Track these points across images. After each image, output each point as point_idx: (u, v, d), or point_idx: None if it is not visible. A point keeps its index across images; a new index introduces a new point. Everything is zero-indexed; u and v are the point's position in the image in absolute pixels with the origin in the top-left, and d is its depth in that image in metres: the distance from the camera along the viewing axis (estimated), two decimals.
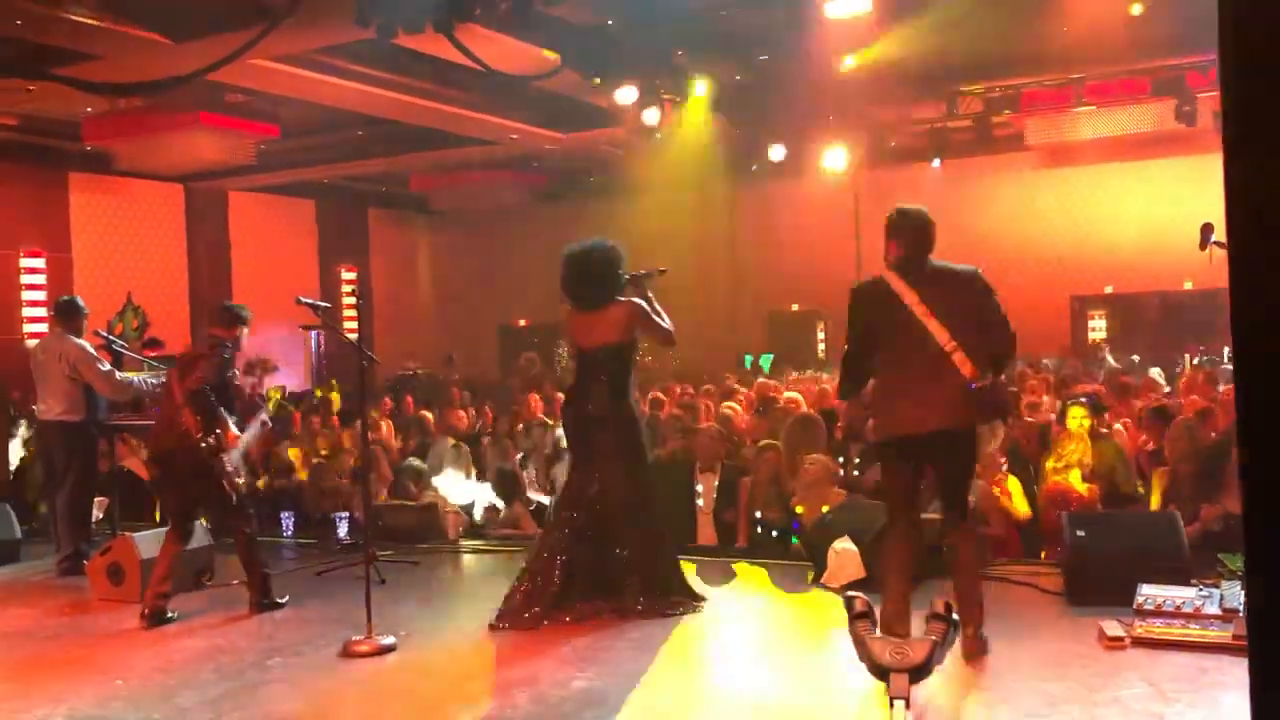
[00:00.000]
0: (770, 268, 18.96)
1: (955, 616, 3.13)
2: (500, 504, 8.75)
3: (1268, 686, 1.10)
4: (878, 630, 3.01)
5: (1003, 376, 5.20)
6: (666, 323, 6.40)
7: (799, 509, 7.36)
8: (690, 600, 6.26)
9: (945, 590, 4.84)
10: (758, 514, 7.76)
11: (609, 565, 6.16)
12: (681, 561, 6.57)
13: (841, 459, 8.07)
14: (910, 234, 5.09)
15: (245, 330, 6.87)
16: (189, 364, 6.61)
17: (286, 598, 6.74)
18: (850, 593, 3.23)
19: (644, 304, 6.33)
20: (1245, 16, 1.11)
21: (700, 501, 7.95)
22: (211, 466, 6.45)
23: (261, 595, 6.61)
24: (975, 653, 4.90)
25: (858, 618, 3.06)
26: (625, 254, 6.43)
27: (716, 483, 7.95)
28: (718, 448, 8.13)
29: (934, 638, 2.97)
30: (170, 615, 6.42)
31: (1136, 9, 9.88)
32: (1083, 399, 8.14)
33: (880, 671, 2.95)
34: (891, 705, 2.92)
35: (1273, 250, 1.10)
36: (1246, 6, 1.11)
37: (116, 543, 7.17)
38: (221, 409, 6.50)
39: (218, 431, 6.45)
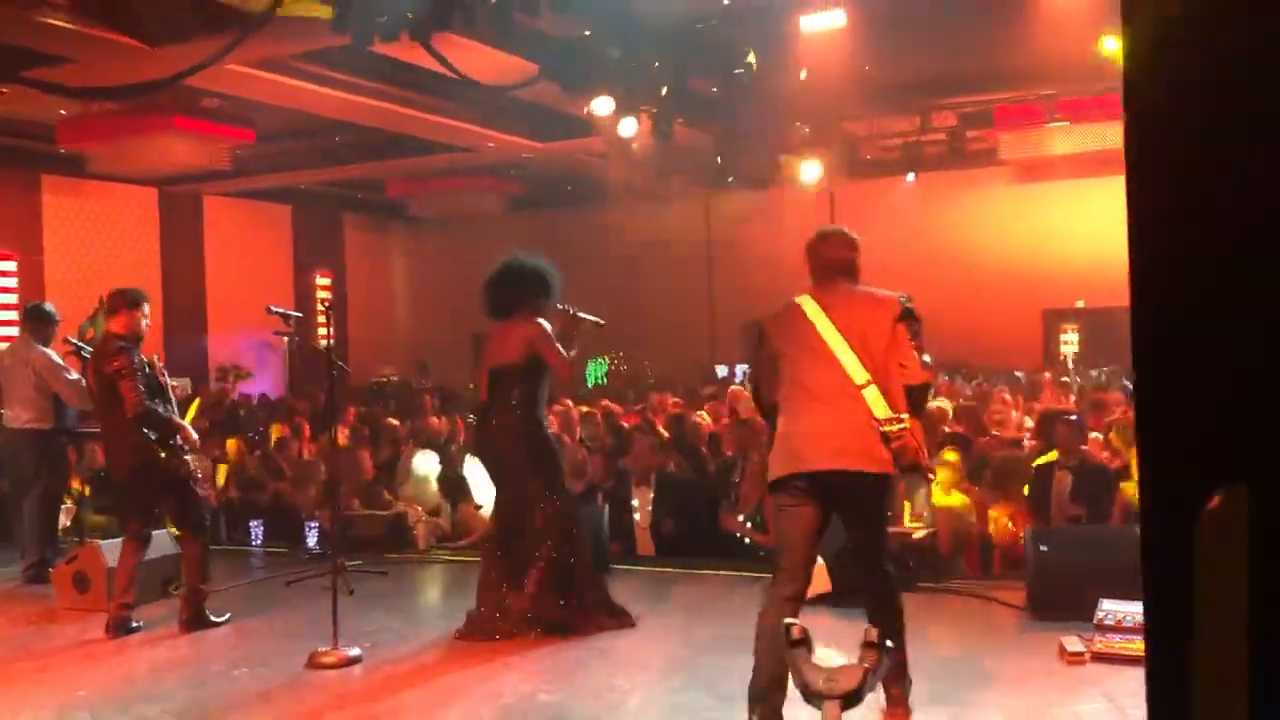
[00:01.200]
0: (745, 279, 19.02)
1: (888, 644, 3.16)
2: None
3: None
4: (814, 657, 3.05)
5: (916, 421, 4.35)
6: (567, 356, 6.16)
7: None
8: (609, 613, 6.18)
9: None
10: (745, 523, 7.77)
11: (521, 586, 6.03)
12: (606, 579, 6.55)
13: None
14: (827, 256, 4.60)
15: (143, 318, 6.52)
16: (109, 379, 6.29)
17: (227, 616, 6.57)
18: (787, 620, 3.26)
19: (547, 327, 6.14)
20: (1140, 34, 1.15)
21: (637, 515, 7.98)
22: (181, 475, 6.41)
23: (195, 613, 6.41)
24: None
25: (794, 644, 3.10)
26: (556, 283, 6.36)
27: (651, 495, 7.98)
28: (651, 460, 8.17)
29: (866, 666, 3.01)
30: (135, 625, 6.38)
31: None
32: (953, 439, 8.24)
33: (814, 698, 2.99)
34: None
35: (1171, 270, 1.13)
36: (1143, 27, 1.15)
37: (82, 551, 7.13)
38: (163, 408, 6.37)
39: (176, 439, 6.39)
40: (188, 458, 6.52)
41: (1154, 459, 1.13)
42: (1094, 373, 14.68)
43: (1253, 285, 1.05)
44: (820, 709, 3.04)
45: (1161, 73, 1.11)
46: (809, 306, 4.45)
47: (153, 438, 6.26)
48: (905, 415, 4.22)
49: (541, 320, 6.19)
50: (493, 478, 6.47)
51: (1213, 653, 0.96)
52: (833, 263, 4.56)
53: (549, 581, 6.00)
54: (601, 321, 6.55)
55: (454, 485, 8.79)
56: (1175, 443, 1.09)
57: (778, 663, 3.82)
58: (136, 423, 6.20)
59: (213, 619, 6.48)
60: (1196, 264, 1.08)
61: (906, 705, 4.40)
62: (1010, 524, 7.27)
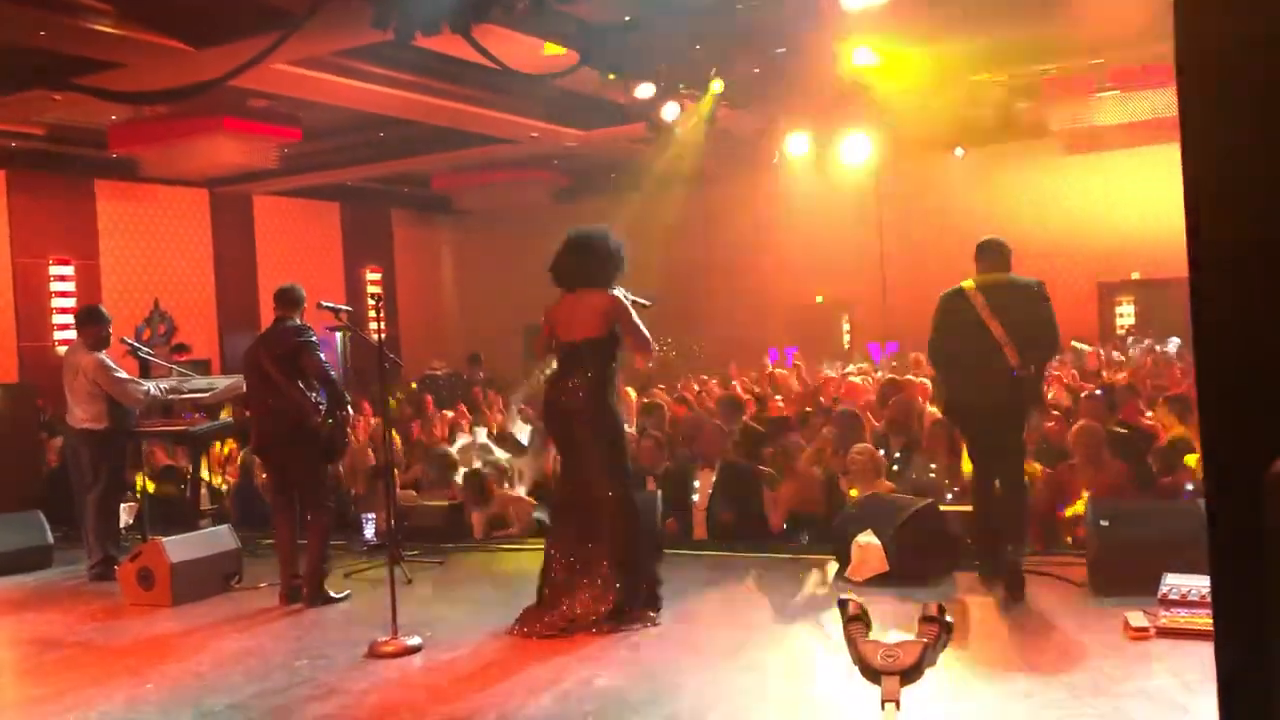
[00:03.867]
0: (793, 260, 18.91)
1: (949, 619, 3.13)
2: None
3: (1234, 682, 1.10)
4: (870, 633, 3.02)
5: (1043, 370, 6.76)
6: (646, 332, 6.09)
7: (853, 492, 7.36)
8: (648, 612, 5.97)
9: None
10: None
11: (594, 575, 5.90)
12: (659, 565, 6.37)
13: (883, 451, 8.06)
14: (990, 259, 6.54)
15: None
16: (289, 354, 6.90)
17: (348, 593, 6.98)
18: (843, 596, 3.23)
19: (628, 301, 6.06)
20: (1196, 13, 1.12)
21: (695, 497, 7.95)
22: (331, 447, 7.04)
23: (317, 589, 6.86)
24: (1013, 587, 5.96)
25: (851, 620, 3.07)
26: (625, 259, 6.22)
27: (714, 479, 7.94)
28: (720, 444, 8.15)
29: (925, 640, 2.98)
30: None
31: None
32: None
33: (872, 674, 2.96)
34: (883, 708, 2.92)
35: (1234, 243, 1.09)
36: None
37: (146, 548, 7.24)
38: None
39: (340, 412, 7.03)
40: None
41: (1216, 428, 1.09)
42: (1145, 342, 14.45)
43: None
44: (879, 684, 3.01)
45: (1213, 38, 1.08)
46: (971, 292, 6.39)
47: (322, 406, 6.85)
48: (1029, 366, 6.22)
49: (622, 293, 6.05)
50: (562, 455, 6.30)
51: None
52: (993, 263, 6.57)
53: (614, 574, 5.89)
54: (648, 303, 6.39)
55: (475, 482, 8.83)
56: (1237, 412, 1.05)
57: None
58: (322, 386, 6.90)
59: (332, 595, 6.90)
60: (1257, 229, 1.05)
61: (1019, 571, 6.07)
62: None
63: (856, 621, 3.04)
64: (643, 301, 6.31)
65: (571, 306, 6.06)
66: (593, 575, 5.89)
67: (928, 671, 3.09)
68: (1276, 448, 1.02)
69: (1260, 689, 1.05)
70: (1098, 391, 8.60)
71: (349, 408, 7.17)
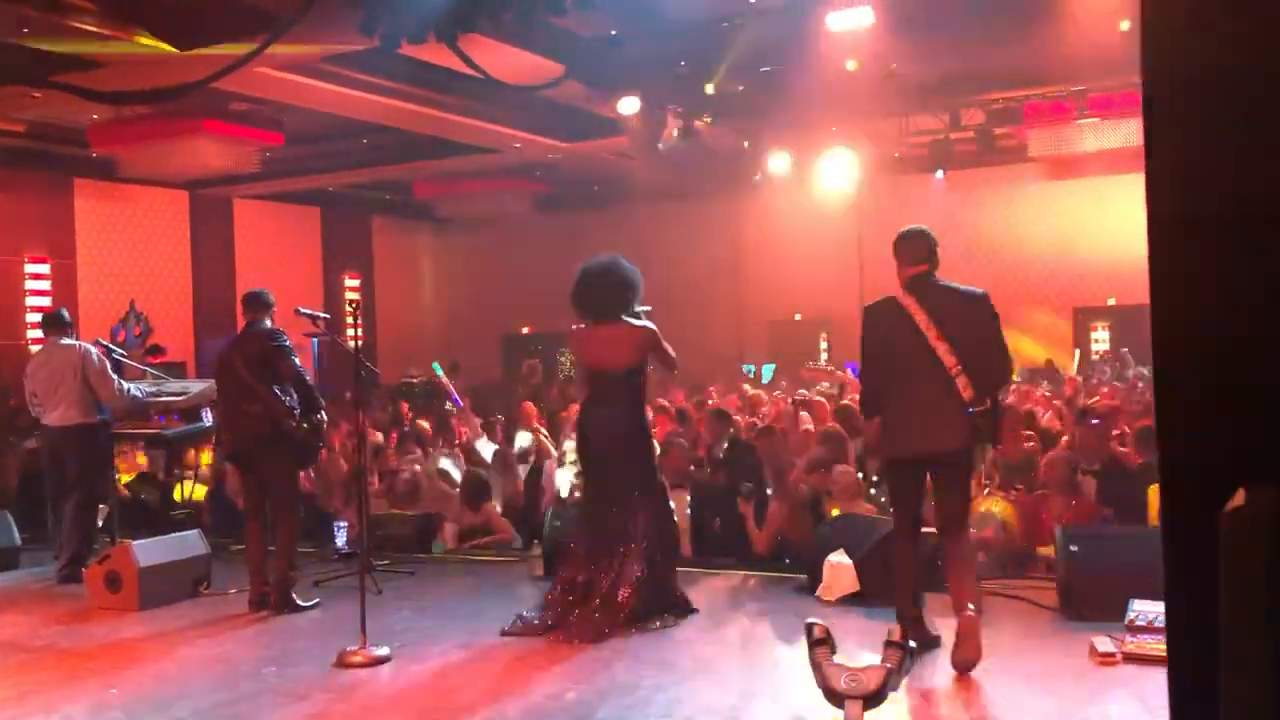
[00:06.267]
0: (773, 278, 18.98)
1: (911, 644, 3.15)
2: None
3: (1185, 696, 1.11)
4: (835, 656, 3.03)
5: (999, 399, 5.57)
6: (672, 351, 6.48)
7: (835, 512, 7.37)
8: (685, 609, 6.35)
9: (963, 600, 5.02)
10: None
11: (626, 584, 6.11)
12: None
13: (860, 474, 8.08)
14: (917, 253, 5.37)
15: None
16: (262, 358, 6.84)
17: (316, 601, 6.91)
18: (810, 620, 3.25)
19: (654, 327, 6.40)
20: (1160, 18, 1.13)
21: (675, 516, 7.96)
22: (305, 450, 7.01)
23: (284, 596, 6.81)
24: (968, 658, 4.98)
25: (816, 644, 3.08)
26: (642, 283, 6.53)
27: (688, 497, 8.00)
28: (683, 462, 8.18)
29: (889, 665, 2.99)
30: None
31: (1125, 25, 9.91)
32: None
33: (835, 698, 2.97)
34: None
35: (1190, 249, 1.11)
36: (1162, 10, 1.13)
37: (115, 551, 7.18)
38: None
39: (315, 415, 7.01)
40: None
41: (1174, 458, 1.11)
42: (1108, 368, 14.56)
43: (1276, 280, 1.03)
44: (842, 709, 3.02)
45: (1180, 70, 1.10)
46: (906, 301, 5.27)
47: (297, 410, 6.81)
48: (985, 399, 5.16)
49: (651, 324, 6.38)
50: (595, 476, 6.49)
51: (1239, 653, 0.95)
52: (921, 258, 5.37)
53: (645, 587, 6.11)
54: (649, 309, 6.66)
55: (476, 486, 8.80)
56: (1196, 442, 1.07)
57: (913, 578, 5.38)
58: (296, 390, 6.85)
59: (300, 604, 6.83)
60: (1218, 259, 1.07)
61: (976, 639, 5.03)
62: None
63: (822, 645, 3.06)
64: (646, 308, 6.61)
65: (603, 337, 6.36)
66: (625, 582, 6.09)
67: (892, 695, 3.11)
68: (1233, 484, 1.03)
69: (1209, 713, 1.06)
70: (1094, 421, 8.56)
71: (323, 411, 7.14)
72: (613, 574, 6.13)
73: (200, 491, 9.70)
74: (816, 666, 3.05)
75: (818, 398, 11.20)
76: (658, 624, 6.10)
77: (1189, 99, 1.11)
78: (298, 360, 6.95)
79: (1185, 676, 1.12)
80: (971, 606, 5.04)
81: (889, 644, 3.06)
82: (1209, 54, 1.10)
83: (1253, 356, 1.05)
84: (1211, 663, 1.02)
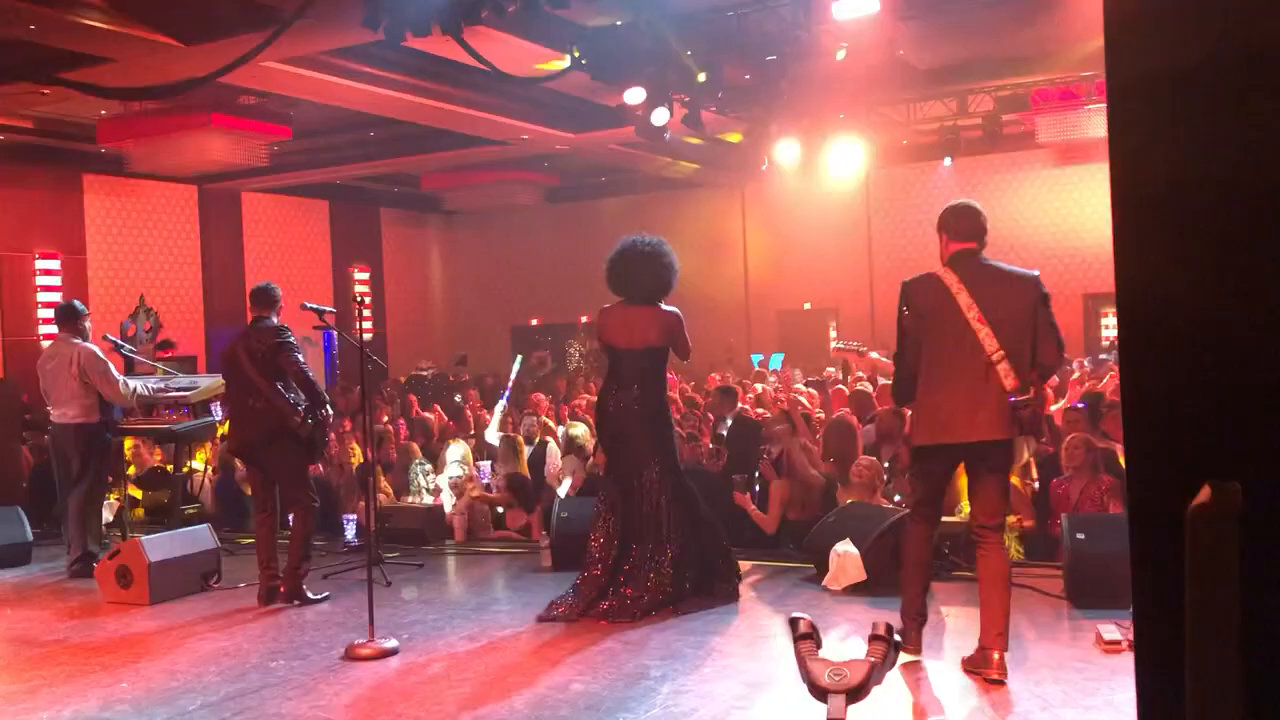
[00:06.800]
0: (781, 267, 18.96)
1: (896, 638, 3.15)
2: None
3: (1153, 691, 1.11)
4: (820, 651, 3.04)
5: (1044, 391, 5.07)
6: (689, 341, 6.62)
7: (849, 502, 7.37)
8: (736, 580, 6.60)
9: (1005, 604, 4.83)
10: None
11: (657, 564, 6.28)
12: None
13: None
14: (967, 228, 5.04)
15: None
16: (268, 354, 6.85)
17: (326, 594, 6.95)
18: (794, 614, 3.25)
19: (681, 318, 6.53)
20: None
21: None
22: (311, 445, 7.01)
23: (296, 589, 6.85)
24: (998, 679, 4.73)
25: (801, 638, 3.09)
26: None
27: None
28: (685, 454, 8.19)
29: (873, 659, 3.00)
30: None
31: None
32: None
33: (819, 692, 2.98)
34: None
35: (1155, 232, 1.11)
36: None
37: (125, 546, 7.23)
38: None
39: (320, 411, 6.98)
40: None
41: (1140, 452, 1.11)
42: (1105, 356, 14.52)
43: (1244, 275, 1.03)
44: (826, 703, 3.03)
45: (1142, 69, 1.10)
46: (949, 279, 4.87)
47: (301, 406, 6.81)
48: (1030, 388, 4.73)
49: (676, 310, 6.52)
50: (612, 455, 6.57)
51: (1204, 649, 0.95)
52: (969, 234, 5.04)
53: (679, 569, 6.28)
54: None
55: (521, 485, 8.83)
56: (1162, 436, 1.07)
57: (924, 575, 5.06)
58: (300, 387, 6.85)
59: (311, 596, 6.86)
60: (1184, 253, 1.07)
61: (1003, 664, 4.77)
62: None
63: (806, 639, 3.06)
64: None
65: (631, 317, 6.48)
66: (655, 563, 6.26)
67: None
68: (1198, 478, 1.03)
69: (1174, 708, 1.07)
70: (1079, 405, 8.59)
71: (329, 408, 7.15)
72: (640, 556, 6.28)
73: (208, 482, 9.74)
74: (801, 660, 3.06)
75: (838, 386, 11.23)
76: (697, 605, 6.25)
77: (1151, 96, 1.11)
78: (302, 357, 6.96)
79: (1151, 668, 1.12)
80: (997, 656, 4.73)
81: (874, 638, 3.07)
82: (1168, 45, 1.10)
83: (1220, 352, 1.05)
84: (1177, 657, 1.02)
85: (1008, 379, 4.68)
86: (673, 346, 6.53)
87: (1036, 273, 4.95)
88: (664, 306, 6.50)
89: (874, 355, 9.96)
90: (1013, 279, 4.88)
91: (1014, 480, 7.15)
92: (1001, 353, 4.68)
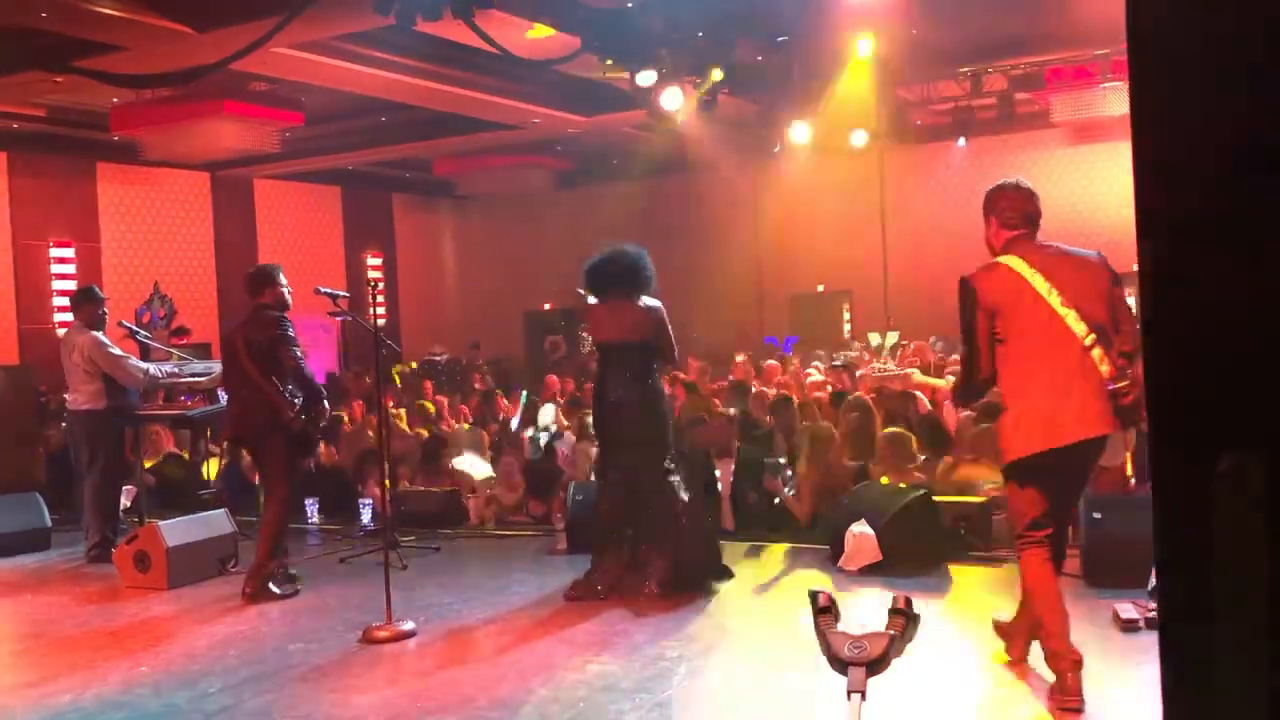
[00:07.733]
0: (794, 249, 18.90)
1: (916, 611, 3.15)
2: None
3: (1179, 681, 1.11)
4: (839, 624, 3.04)
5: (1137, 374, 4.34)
6: (674, 342, 6.62)
7: (884, 480, 7.35)
8: (718, 577, 6.53)
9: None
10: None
11: (639, 548, 6.38)
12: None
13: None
14: (1021, 210, 4.56)
15: (285, 289, 6.97)
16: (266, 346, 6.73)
17: (293, 589, 6.80)
18: (814, 588, 3.26)
19: (664, 315, 6.53)
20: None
21: (720, 486, 7.99)
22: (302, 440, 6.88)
23: (260, 584, 6.71)
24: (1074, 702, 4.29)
25: (820, 612, 3.09)
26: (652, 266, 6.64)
27: (733, 466, 8.00)
28: (728, 434, 8.19)
29: (892, 632, 3.01)
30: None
31: None
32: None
33: (839, 665, 2.99)
34: (849, 698, 2.97)
35: (1182, 225, 1.10)
36: None
37: (143, 531, 7.27)
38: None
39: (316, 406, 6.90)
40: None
41: (1164, 423, 1.10)
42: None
43: (1267, 246, 1.02)
44: (846, 675, 3.05)
45: (1164, 32, 1.08)
46: (1020, 267, 4.40)
47: (298, 400, 6.70)
48: (1125, 372, 4.25)
49: (660, 307, 6.55)
50: (611, 447, 6.61)
51: (1232, 623, 0.94)
52: (1028, 217, 4.57)
53: (681, 556, 6.33)
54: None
55: (541, 475, 8.85)
56: (1186, 408, 1.05)
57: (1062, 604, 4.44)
58: (295, 383, 6.71)
59: (275, 591, 6.72)
60: (1208, 224, 1.05)
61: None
62: None
63: (826, 613, 3.07)
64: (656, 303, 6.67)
65: (614, 313, 6.52)
66: (660, 552, 6.32)
67: (919, 661, 3.11)
68: (1224, 442, 1.02)
69: (1205, 680, 1.06)
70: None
71: (324, 403, 7.06)
72: (646, 540, 6.34)
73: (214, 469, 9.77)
74: (821, 634, 3.07)
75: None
76: (702, 592, 6.28)
77: (1173, 61, 1.09)
78: (299, 350, 6.85)
79: (1178, 641, 1.11)
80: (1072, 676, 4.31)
81: (894, 611, 3.07)
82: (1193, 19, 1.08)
83: (1242, 321, 1.04)
84: (1206, 639, 1.01)
85: (1103, 365, 4.22)
86: (657, 347, 6.53)
87: (1098, 251, 4.54)
88: (646, 301, 6.50)
89: (918, 376, 9.80)
90: (1081, 261, 4.45)
91: None
92: (1094, 336, 4.23)
